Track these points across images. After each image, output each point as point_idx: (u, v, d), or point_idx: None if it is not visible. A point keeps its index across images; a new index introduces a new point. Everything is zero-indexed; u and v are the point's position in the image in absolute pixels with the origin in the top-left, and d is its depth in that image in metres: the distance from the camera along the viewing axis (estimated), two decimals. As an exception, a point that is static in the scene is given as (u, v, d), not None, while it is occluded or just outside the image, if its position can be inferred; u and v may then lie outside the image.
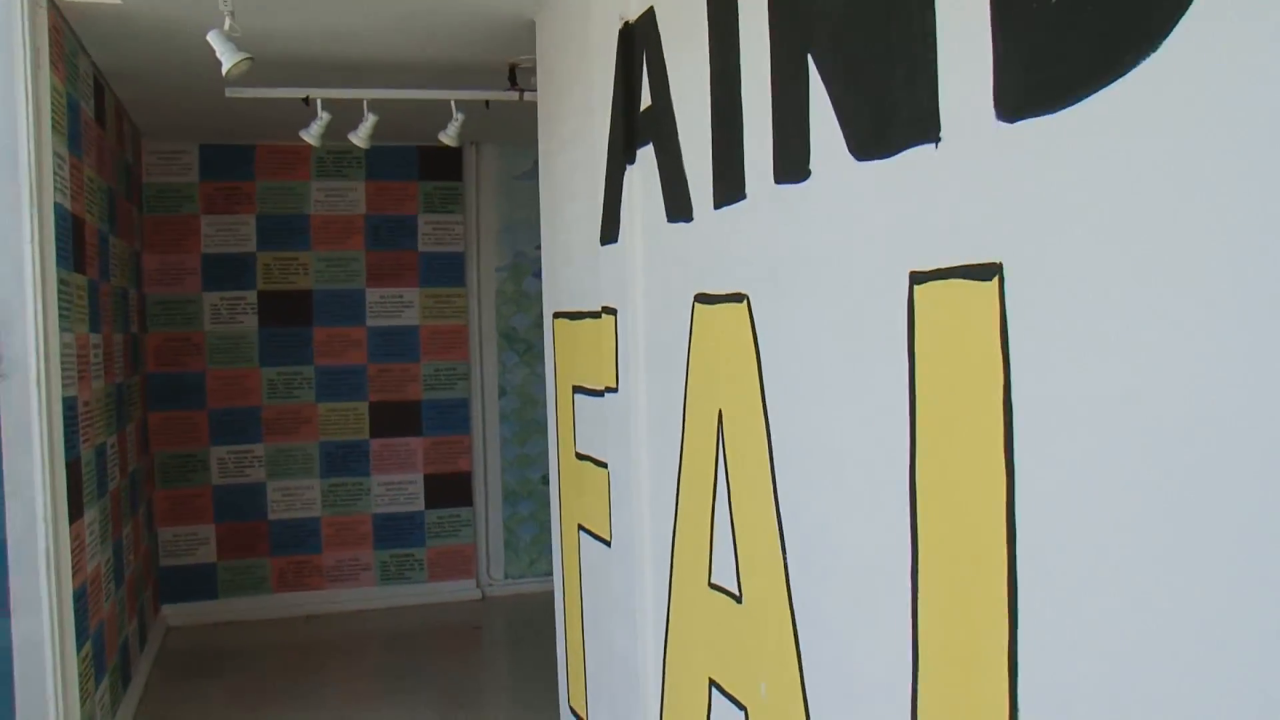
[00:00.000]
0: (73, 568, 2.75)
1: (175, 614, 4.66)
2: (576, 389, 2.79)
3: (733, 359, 1.89)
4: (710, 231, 1.98)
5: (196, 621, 4.66)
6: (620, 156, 2.38)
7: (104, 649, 3.18)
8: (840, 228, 1.47)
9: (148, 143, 4.61)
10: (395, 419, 4.81)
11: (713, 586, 2.02)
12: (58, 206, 2.71)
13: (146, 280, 4.63)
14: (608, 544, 2.56)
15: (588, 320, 2.66)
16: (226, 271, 4.68)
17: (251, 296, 4.69)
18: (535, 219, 5.23)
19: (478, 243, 4.91)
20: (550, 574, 5.24)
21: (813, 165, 1.53)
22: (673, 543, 2.21)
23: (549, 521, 5.28)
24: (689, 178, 2.08)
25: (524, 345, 4.97)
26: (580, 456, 2.78)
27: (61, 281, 2.73)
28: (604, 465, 2.56)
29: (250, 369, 4.70)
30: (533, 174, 4.99)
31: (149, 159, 4.64)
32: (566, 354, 2.92)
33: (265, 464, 4.72)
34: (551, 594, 3.49)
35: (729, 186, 1.88)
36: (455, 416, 4.89)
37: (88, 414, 3.03)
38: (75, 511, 2.81)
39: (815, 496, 1.58)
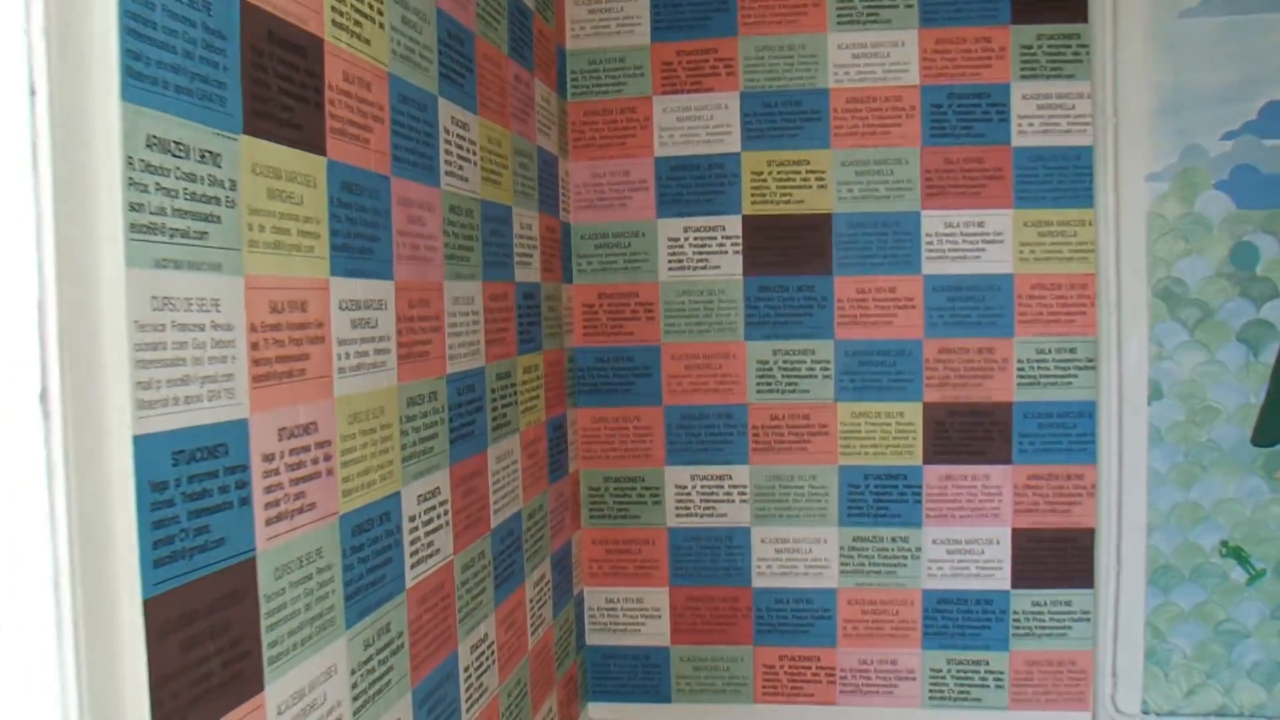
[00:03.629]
0: None
1: (606, 717, 2.99)
2: None
3: None
4: None
5: (637, 732, 2.98)
6: None
7: None
8: None
9: (575, -15, 2.90)
10: (967, 433, 2.83)
11: None
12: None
13: (573, 201, 2.93)
14: None
15: None
16: (692, 185, 2.89)
17: (732, 225, 2.88)
18: (1221, 84, 3.01)
19: (1114, 132, 2.79)
20: (1224, 716, 3.05)
21: None
22: None
23: (1226, 623, 3.09)
24: None
25: (1197, 311, 2.80)
26: None
27: (208, 155, 0.98)
28: None
29: (729, 343, 2.89)
30: (1217, 5, 2.80)
31: (575, 13, 2.92)
32: None
33: (751, 498, 2.91)
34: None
35: None
36: (1072, 432, 2.83)
37: (296, 459, 1.32)
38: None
39: None
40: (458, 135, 2.01)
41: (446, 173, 1.94)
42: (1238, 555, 2.84)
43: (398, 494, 1.67)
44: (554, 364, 2.74)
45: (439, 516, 1.86)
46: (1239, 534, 2.82)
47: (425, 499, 1.79)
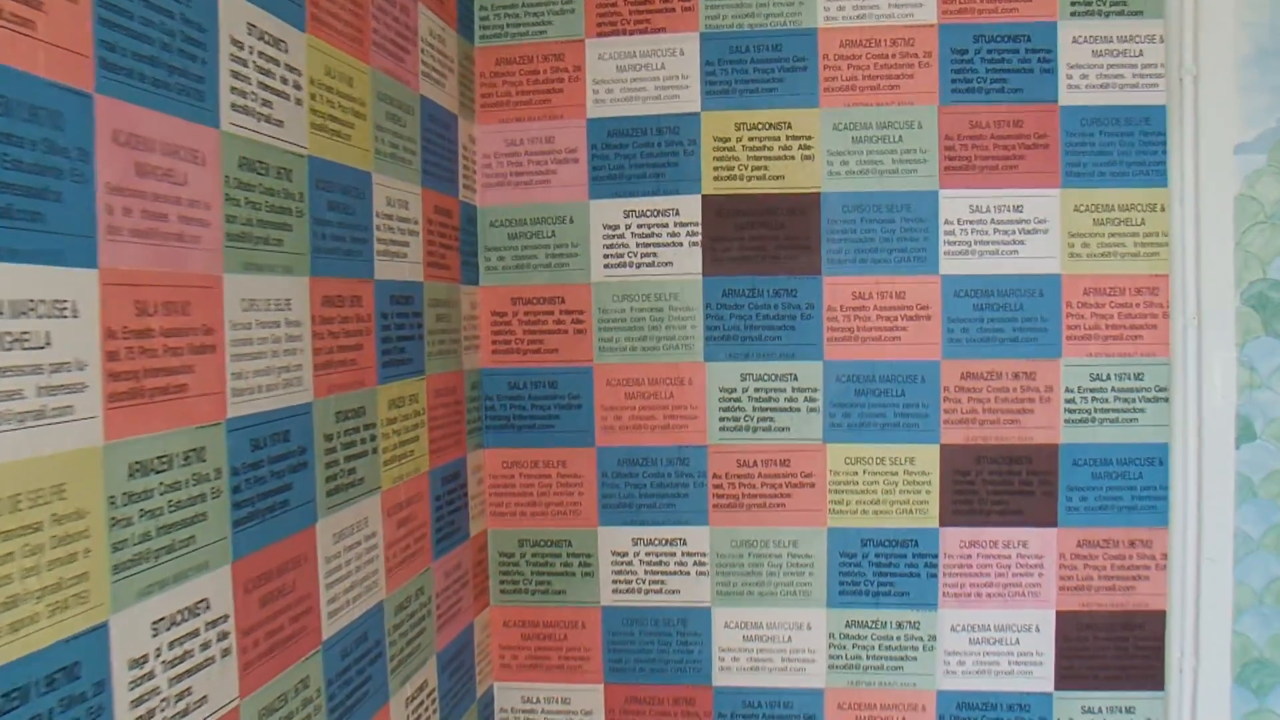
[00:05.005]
0: None
1: None
2: None
3: None
4: None
5: None
6: None
7: None
8: None
9: (486, -109, 2.20)
10: (999, 485, 2.15)
11: None
12: None
13: (480, 175, 2.22)
14: None
15: None
16: (637, 156, 2.19)
17: (689, 208, 2.17)
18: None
19: (1193, 87, 2.11)
20: None
21: None
22: None
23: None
24: None
25: (1302, 324, 2.14)
26: None
27: None
28: None
29: (684, 364, 2.19)
30: (1326, -80, 2.13)
31: (487, -70, 2.22)
32: None
33: (712, 569, 2.20)
34: None
35: None
36: (1136, 485, 2.15)
37: None
38: None
39: None
40: (261, 54, 1.29)
41: (236, 106, 1.22)
42: (1352, 647, 2.17)
43: (102, 628, 0.95)
44: (447, 392, 2.02)
45: (206, 647, 1.13)
46: (1354, 619, 2.15)
47: (172, 625, 1.07)
